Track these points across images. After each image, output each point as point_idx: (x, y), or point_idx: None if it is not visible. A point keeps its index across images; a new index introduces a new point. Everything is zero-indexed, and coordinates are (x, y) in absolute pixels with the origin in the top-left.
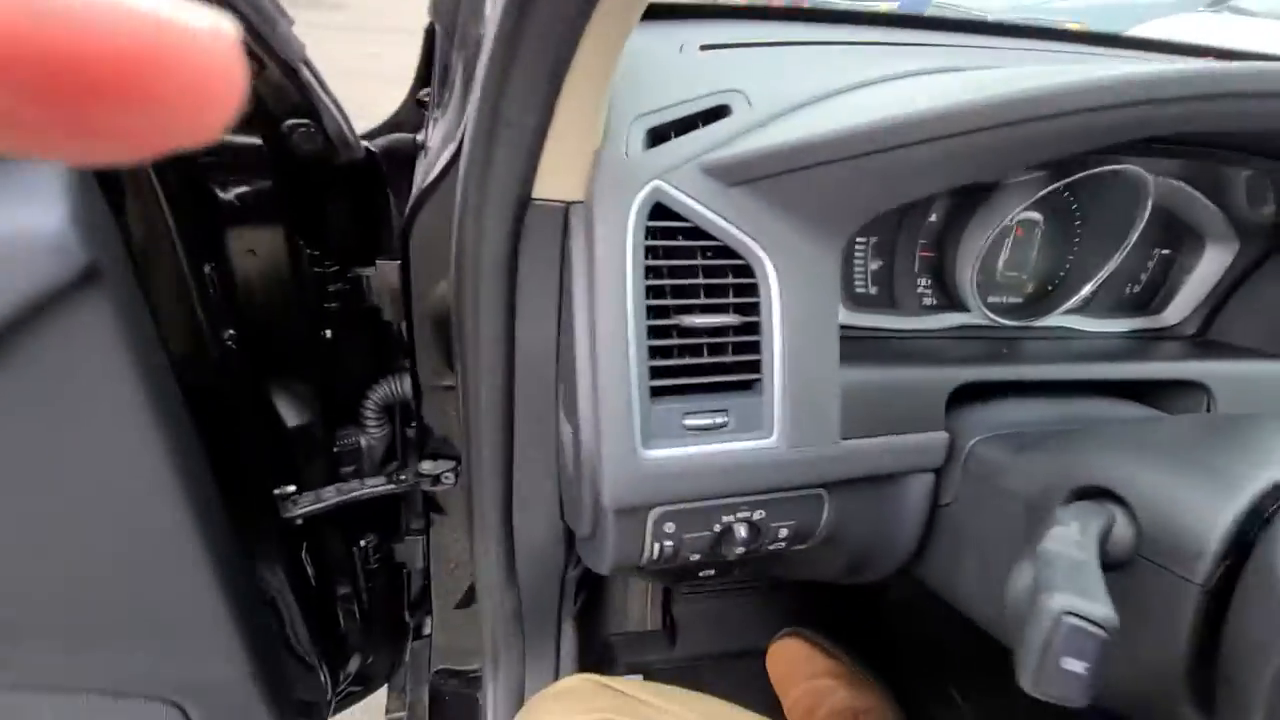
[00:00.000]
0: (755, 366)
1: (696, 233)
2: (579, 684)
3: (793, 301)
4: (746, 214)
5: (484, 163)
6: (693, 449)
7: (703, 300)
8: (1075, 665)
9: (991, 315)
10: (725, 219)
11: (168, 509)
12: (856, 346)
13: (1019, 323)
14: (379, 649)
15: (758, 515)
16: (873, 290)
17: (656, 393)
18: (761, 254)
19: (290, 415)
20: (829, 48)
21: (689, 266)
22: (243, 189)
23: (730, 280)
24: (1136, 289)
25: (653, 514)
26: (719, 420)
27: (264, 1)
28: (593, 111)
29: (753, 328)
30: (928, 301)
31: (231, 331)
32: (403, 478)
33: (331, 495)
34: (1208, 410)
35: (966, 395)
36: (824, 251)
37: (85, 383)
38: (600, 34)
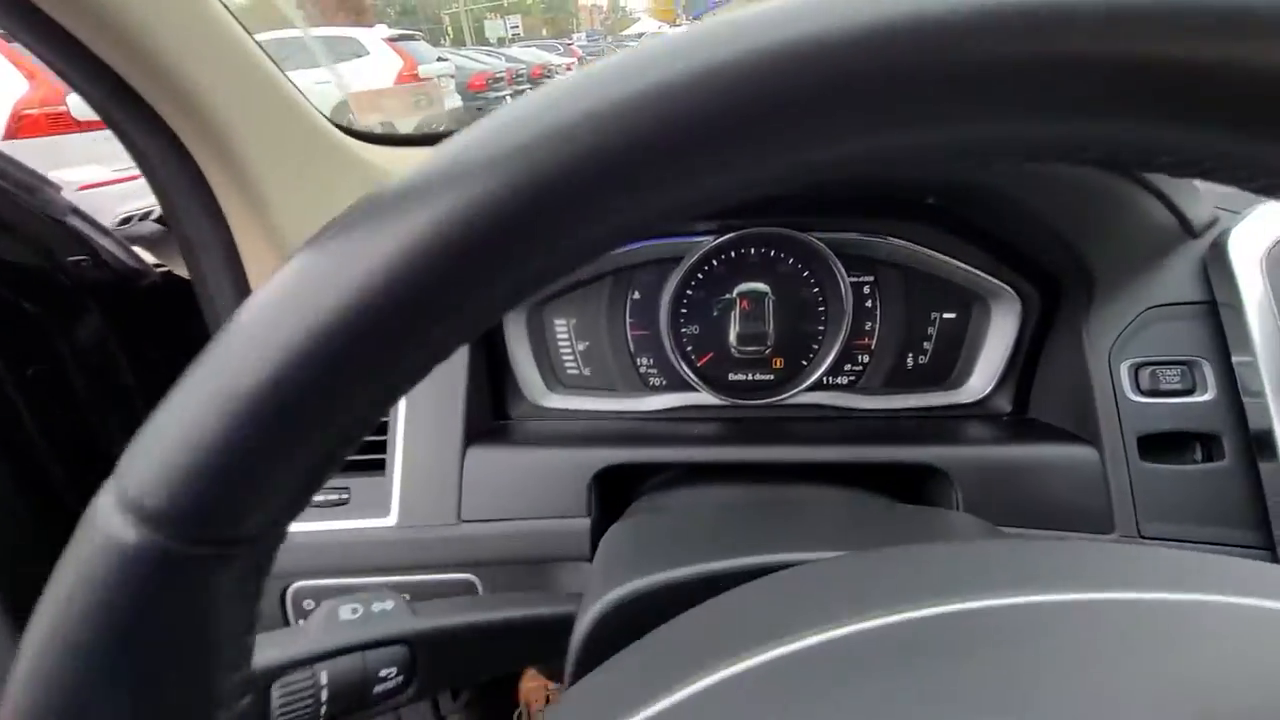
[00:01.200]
0: (382, 447)
1: None
2: None
3: (418, 385)
4: None
5: (197, 275)
6: (314, 525)
7: None
8: None
9: (719, 394)
10: None
11: None
12: (506, 427)
13: (760, 401)
14: None
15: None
16: (586, 371)
17: None
18: None
19: None
20: None
21: None
22: (54, 309)
23: None
24: (922, 360)
25: (290, 589)
26: (341, 497)
27: (24, 176)
28: (261, 236)
29: None
30: (655, 381)
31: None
32: None
33: None
34: (955, 505)
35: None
36: None
37: None
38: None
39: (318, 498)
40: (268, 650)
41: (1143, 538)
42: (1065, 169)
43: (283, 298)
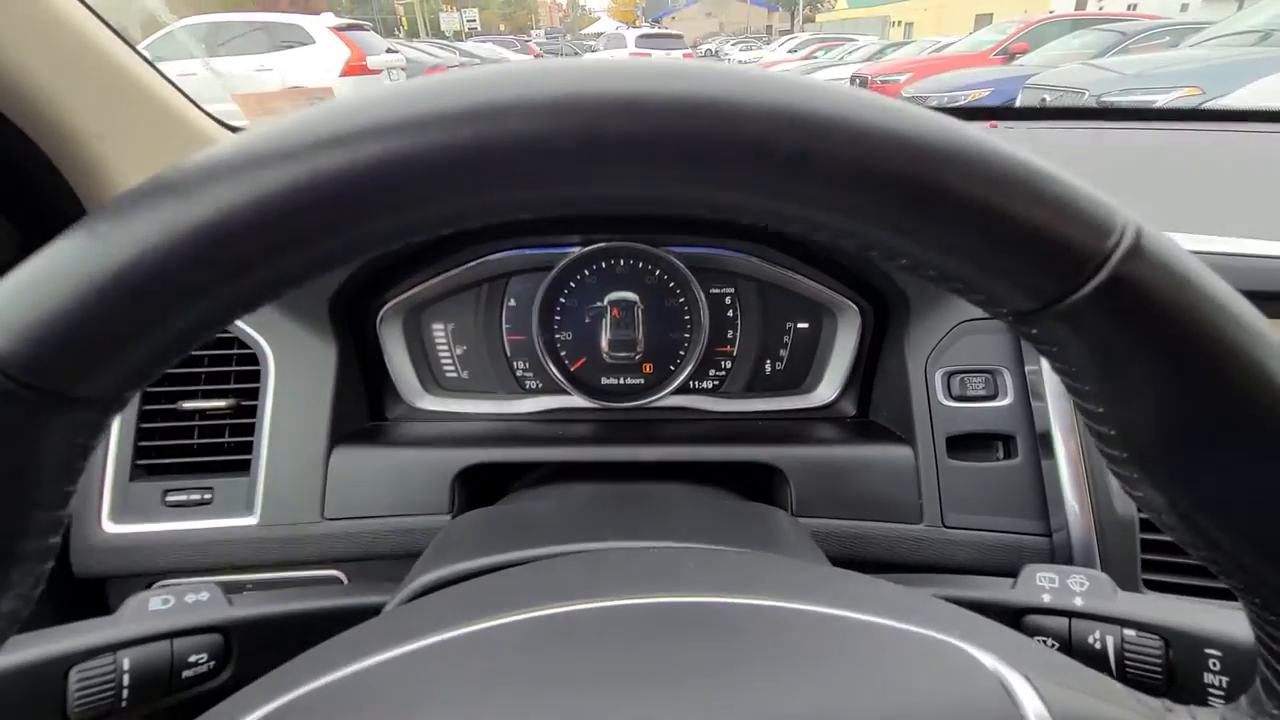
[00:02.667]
0: (249, 448)
1: None
2: None
3: (286, 385)
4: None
5: None
6: (173, 525)
7: (204, 386)
8: None
9: (590, 397)
10: None
11: None
12: (377, 428)
13: (628, 405)
14: None
15: None
16: (464, 374)
17: (141, 471)
18: (262, 341)
19: None
20: None
21: (198, 357)
22: None
23: (234, 367)
24: (779, 366)
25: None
26: (203, 497)
27: None
28: None
29: (250, 411)
30: (530, 384)
31: None
32: None
33: None
34: (789, 498)
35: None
36: (316, 335)
37: None
38: None
39: (180, 498)
40: (68, 638)
41: (945, 527)
42: None
43: (155, 194)
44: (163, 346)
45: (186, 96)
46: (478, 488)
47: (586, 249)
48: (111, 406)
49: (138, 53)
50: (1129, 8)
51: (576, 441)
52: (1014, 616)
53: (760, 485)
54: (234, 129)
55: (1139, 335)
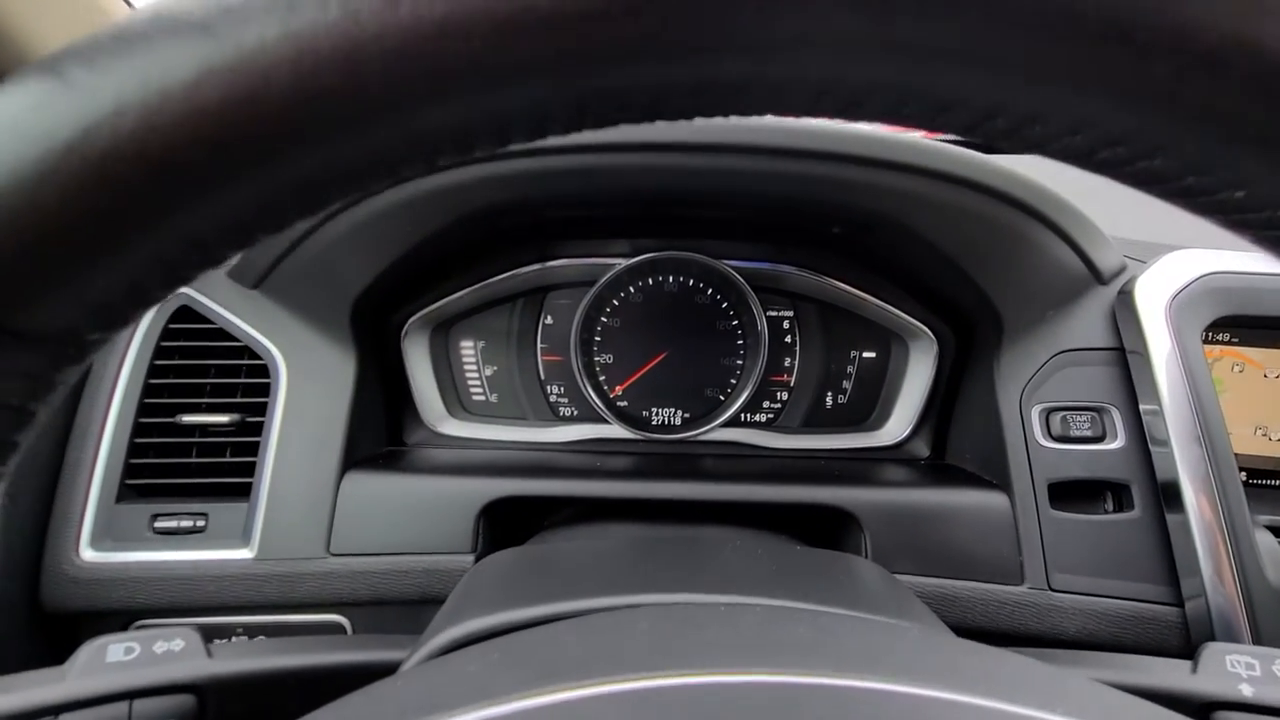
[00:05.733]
0: (251, 470)
1: (221, 334)
2: None
3: (298, 401)
4: (265, 314)
5: None
6: (159, 555)
7: (209, 399)
8: None
9: (627, 428)
10: (245, 320)
11: None
12: (395, 454)
13: (674, 437)
14: None
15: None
16: (492, 398)
17: (130, 491)
18: (275, 352)
19: None
20: None
21: (203, 366)
22: None
23: (243, 380)
24: (841, 400)
25: (137, 625)
26: (195, 524)
27: None
28: None
29: (255, 428)
30: (565, 411)
31: None
32: None
33: None
34: (864, 548)
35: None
36: (336, 345)
37: None
38: None
39: (169, 524)
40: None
41: (1052, 590)
42: (967, 206)
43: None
44: (139, 267)
45: None
46: (504, 525)
47: (634, 260)
48: (63, 352)
49: None
50: None
51: (616, 476)
52: (1200, 710)
53: (823, 534)
54: None
55: None
